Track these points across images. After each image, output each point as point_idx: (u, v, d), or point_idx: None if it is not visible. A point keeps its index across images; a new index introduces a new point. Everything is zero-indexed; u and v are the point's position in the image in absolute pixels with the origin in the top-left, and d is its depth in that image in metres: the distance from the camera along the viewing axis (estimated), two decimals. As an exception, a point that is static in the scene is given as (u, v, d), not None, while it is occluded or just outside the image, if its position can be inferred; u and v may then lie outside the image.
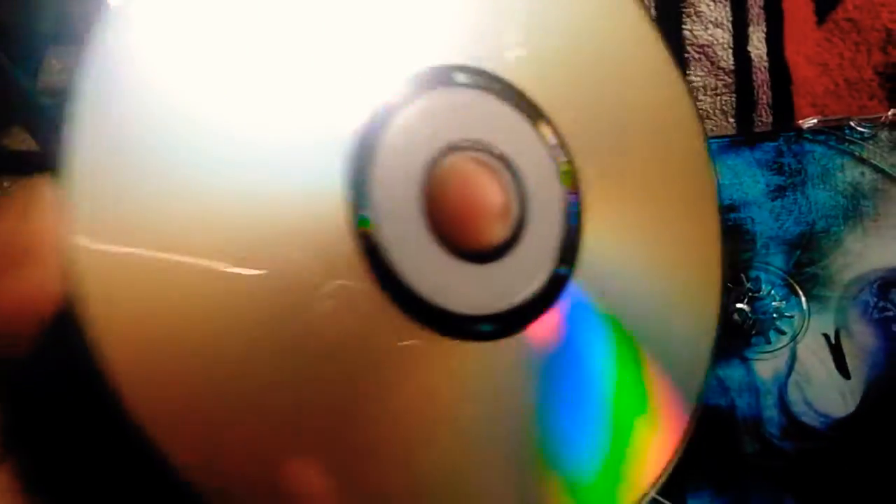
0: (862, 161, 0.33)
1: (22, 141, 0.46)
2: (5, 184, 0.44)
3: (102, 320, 0.14)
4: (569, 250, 0.18)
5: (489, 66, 0.18)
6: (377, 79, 0.17)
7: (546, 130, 0.18)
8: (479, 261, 0.17)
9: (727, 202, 0.33)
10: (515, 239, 0.17)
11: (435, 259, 0.16)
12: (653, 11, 0.36)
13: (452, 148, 0.17)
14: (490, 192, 0.17)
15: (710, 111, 0.35)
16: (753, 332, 0.31)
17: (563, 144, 0.19)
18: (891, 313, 0.30)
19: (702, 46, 0.36)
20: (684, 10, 0.36)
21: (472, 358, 0.17)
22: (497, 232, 0.17)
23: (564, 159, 0.19)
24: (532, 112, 0.18)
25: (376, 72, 0.17)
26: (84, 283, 0.14)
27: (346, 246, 0.16)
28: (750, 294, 0.31)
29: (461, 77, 0.18)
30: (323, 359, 0.15)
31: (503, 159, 0.17)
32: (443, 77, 0.17)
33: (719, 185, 0.22)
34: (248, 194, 0.15)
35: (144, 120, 0.15)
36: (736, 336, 0.31)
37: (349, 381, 0.16)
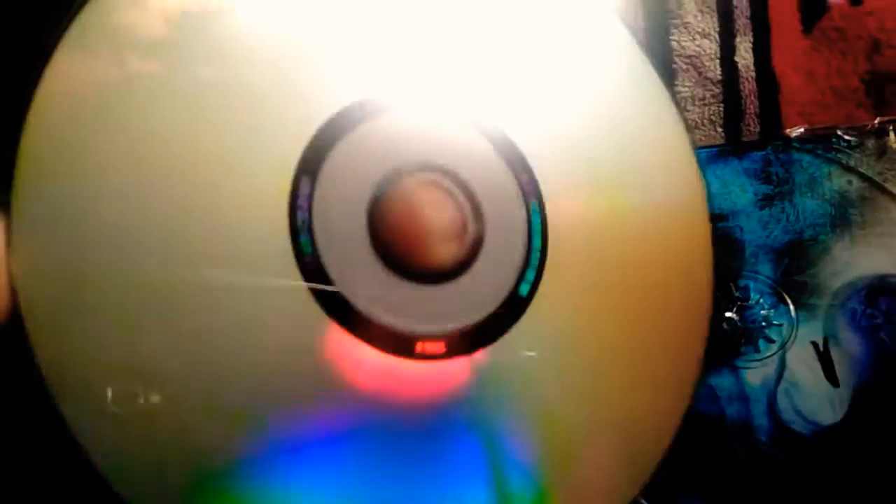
0: (849, 169, 0.33)
1: None
2: None
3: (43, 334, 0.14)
4: (529, 269, 0.18)
5: (448, 88, 0.18)
6: (324, 100, 0.17)
7: (508, 149, 0.18)
8: (432, 281, 0.17)
9: (716, 212, 0.33)
10: (472, 258, 0.17)
11: (382, 281, 0.16)
12: (640, 23, 0.37)
13: (402, 170, 0.17)
14: (439, 213, 0.17)
15: (699, 121, 0.35)
16: (742, 340, 0.31)
17: (524, 161, 0.19)
18: (878, 321, 0.30)
19: (689, 57, 0.36)
20: (672, 21, 0.36)
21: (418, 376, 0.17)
22: (447, 253, 0.17)
23: (527, 178, 0.19)
24: (493, 132, 0.18)
25: (323, 93, 0.17)
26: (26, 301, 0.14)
27: (289, 272, 0.16)
28: (739, 303, 0.32)
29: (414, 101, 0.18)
30: (267, 378, 0.16)
31: (459, 180, 0.17)
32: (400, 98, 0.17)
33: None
34: (189, 215, 0.15)
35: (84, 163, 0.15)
36: (725, 344, 0.31)
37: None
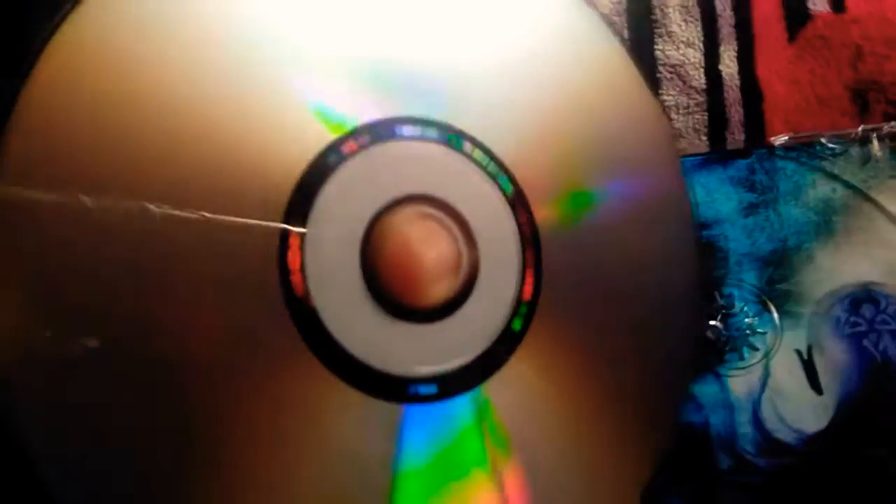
0: (833, 177, 0.33)
1: None
2: None
3: None
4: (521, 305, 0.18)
5: (443, 116, 0.18)
6: (317, 130, 0.16)
7: (505, 181, 0.18)
8: (426, 320, 0.17)
9: (700, 220, 0.33)
10: (466, 295, 0.17)
11: (373, 321, 0.16)
12: (625, 33, 0.37)
13: (397, 202, 0.16)
14: (433, 251, 0.16)
15: (683, 130, 0.35)
16: (727, 348, 0.31)
17: (523, 196, 0.18)
18: (861, 328, 0.30)
19: (674, 66, 0.36)
20: (656, 30, 0.37)
21: (411, 419, 0.17)
22: (441, 291, 0.16)
23: (524, 212, 0.18)
24: (490, 163, 0.18)
25: (317, 123, 0.16)
26: None
27: (278, 310, 0.15)
28: (723, 311, 0.32)
29: (409, 129, 0.17)
30: (256, 418, 0.15)
31: (455, 213, 0.17)
32: (388, 129, 0.17)
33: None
34: (180, 260, 0.15)
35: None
36: (709, 353, 0.31)
37: (280, 438, 0.16)
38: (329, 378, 0.16)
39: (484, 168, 0.18)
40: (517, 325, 0.18)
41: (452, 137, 0.18)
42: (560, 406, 0.19)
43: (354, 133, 0.17)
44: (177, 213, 0.15)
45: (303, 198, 0.16)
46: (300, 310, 0.16)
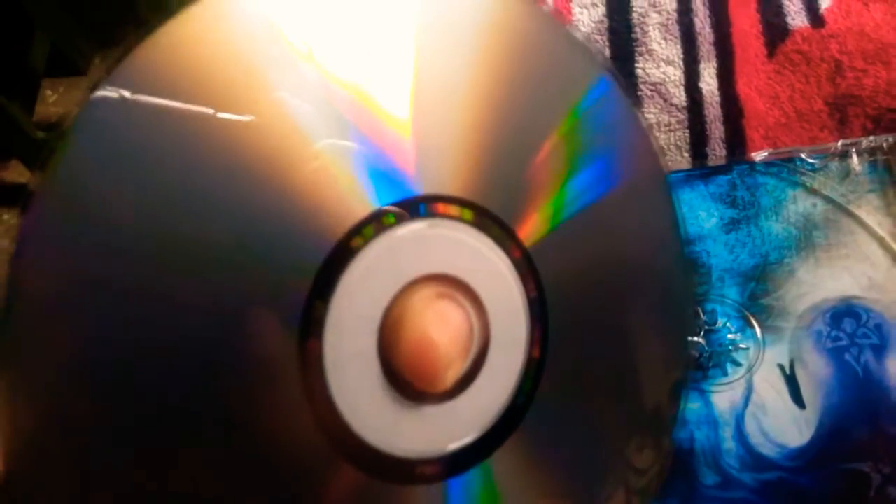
0: (813, 192, 0.33)
1: (20, 174, 0.47)
2: (5, 216, 0.44)
3: None
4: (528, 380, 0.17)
5: (461, 194, 0.18)
6: (340, 214, 0.17)
7: (517, 258, 0.18)
8: (434, 401, 0.17)
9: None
10: (475, 374, 0.17)
11: (386, 403, 0.16)
12: (607, 52, 0.37)
13: (415, 283, 0.16)
14: (447, 335, 0.16)
15: (665, 147, 0.36)
16: (710, 364, 0.31)
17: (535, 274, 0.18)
18: (843, 343, 0.31)
19: (654, 84, 0.36)
20: (636, 49, 0.37)
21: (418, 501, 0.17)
22: (453, 374, 0.16)
23: (534, 289, 0.18)
24: (504, 238, 0.18)
25: (341, 206, 0.16)
26: None
27: (294, 390, 0.16)
28: (706, 327, 0.32)
29: (428, 208, 0.17)
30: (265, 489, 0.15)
31: (467, 288, 0.17)
32: (409, 209, 0.17)
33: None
34: (201, 343, 0.15)
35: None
36: (693, 369, 0.31)
37: None
38: (339, 462, 0.16)
39: (490, 234, 0.18)
40: (520, 400, 0.18)
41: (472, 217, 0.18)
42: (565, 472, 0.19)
43: (379, 216, 0.17)
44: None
45: (327, 279, 0.16)
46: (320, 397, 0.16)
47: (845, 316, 0.31)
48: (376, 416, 0.16)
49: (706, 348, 0.32)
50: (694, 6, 0.37)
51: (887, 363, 0.30)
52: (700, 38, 0.37)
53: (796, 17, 0.37)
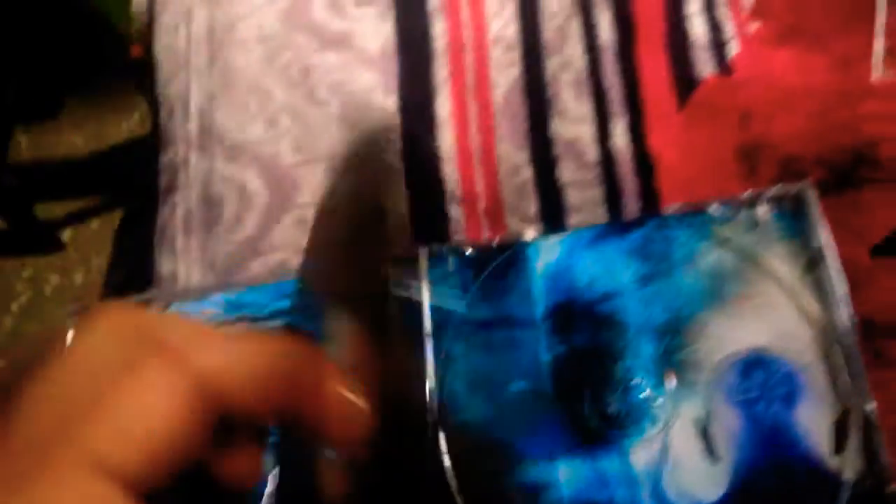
0: (724, 243, 0.34)
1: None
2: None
3: None
4: None
5: None
6: None
7: None
8: None
9: (601, 292, 0.34)
10: None
11: None
12: (524, 111, 0.38)
13: None
14: None
15: (580, 205, 0.36)
16: (628, 422, 0.32)
17: None
18: (754, 394, 0.31)
19: (569, 142, 0.37)
20: (551, 108, 0.38)
21: None
22: None
23: None
24: None
25: None
26: None
27: None
28: (623, 385, 0.33)
29: None
30: None
31: None
32: None
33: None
34: None
35: None
36: (612, 427, 0.32)
37: None
38: None
39: None
40: None
41: None
42: None
43: None
44: None
45: None
46: None
47: (755, 367, 0.32)
48: None
49: (624, 406, 0.32)
50: (603, 61, 0.38)
51: (797, 412, 0.31)
52: (610, 94, 0.38)
53: (705, 66, 0.38)
